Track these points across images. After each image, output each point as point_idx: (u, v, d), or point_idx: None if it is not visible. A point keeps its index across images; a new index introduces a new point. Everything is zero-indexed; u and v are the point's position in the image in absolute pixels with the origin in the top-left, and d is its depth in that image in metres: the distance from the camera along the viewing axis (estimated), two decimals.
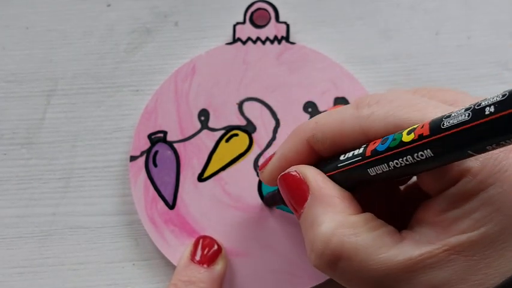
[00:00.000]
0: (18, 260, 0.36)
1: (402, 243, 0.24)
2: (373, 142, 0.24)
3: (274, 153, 0.30)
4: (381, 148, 0.23)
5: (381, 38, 0.38)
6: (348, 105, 0.27)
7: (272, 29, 0.37)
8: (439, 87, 0.27)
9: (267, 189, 0.35)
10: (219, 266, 0.33)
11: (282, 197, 0.28)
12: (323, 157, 0.28)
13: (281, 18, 0.38)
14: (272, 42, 0.37)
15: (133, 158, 0.35)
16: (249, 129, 0.36)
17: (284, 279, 0.33)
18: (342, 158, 0.26)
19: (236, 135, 0.36)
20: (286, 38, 0.37)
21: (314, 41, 0.38)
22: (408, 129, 0.23)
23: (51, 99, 0.38)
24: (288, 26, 0.37)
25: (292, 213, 0.34)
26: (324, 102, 0.36)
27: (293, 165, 0.28)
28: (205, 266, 0.32)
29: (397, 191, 0.31)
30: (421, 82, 0.37)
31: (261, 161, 0.35)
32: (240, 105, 0.36)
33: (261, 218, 0.34)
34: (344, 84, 0.36)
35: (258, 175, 0.35)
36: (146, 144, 0.36)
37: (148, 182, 0.35)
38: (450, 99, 0.26)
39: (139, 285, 0.35)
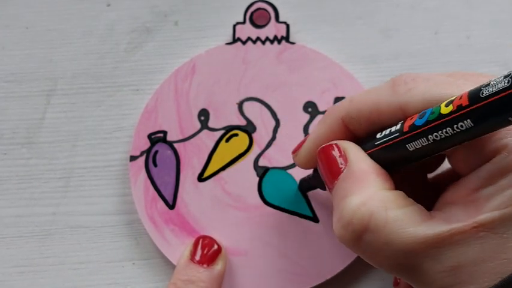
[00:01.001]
0: (19, 259, 0.36)
1: (432, 220, 0.23)
2: (410, 118, 0.24)
3: (307, 136, 0.30)
4: (419, 122, 0.23)
5: (381, 37, 0.38)
6: (382, 83, 0.27)
7: (272, 29, 0.37)
8: (473, 72, 0.27)
9: (268, 189, 0.35)
10: (218, 266, 0.33)
11: (316, 180, 0.28)
12: (358, 137, 0.28)
13: (281, 18, 0.37)
14: (272, 42, 0.37)
15: (133, 158, 0.36)
16: (249, 129, 0.36)
17: (284, 279, 0.33)
18: (378, 136, 0.26)
19: (236, 135, 0.36)
20: (286, 38, 0.37)
21: (314, 40, 0.38)
22: (446, 101, 0.23)
23: (51, 99, 0.38)
24: (288, 26, 0.37)
25: (291, 212, 0.34)
26: (324, 102, 0.36)
27: None
28: (205, 265, 0.32)
29: (426, 180, 0.31)
30: None
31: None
32: (240, 105, 0.36)
33: (261, 218, 0.34)
34: (344, 84, 0.36)
35: (258, 175, 0.35)
36: (146, 144, 0.36)
37: (148, 181, 0.35)
38: (484, 82, 0.26)
39: (140, 284, 0.35)
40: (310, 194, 0.34)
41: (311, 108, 0.36)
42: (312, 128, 0.35)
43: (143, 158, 0.35)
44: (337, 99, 0.36)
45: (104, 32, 0.39)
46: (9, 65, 0.38)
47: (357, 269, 0.34)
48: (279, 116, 0.36)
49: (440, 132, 0.23)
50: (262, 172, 0.35)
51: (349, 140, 0.28)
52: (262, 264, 0.34)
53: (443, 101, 0.23)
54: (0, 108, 0.38)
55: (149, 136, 0.36)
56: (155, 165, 0.35)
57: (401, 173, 0.27)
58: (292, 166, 0.35)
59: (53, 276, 0.36)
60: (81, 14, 0.39)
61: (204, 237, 0.34)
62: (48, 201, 0.36)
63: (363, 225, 0.24)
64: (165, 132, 0.36)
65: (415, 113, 0.24)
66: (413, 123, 0.24)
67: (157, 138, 0.36)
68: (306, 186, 0.34)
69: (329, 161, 0.27)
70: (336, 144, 0.27)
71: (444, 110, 0.22)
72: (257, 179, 0.35)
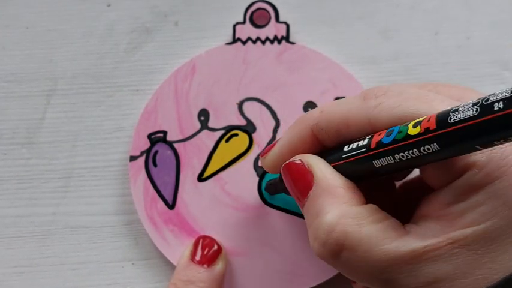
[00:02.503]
0: (19, 259, 0.36)
1: (406, 236, 0.24)
2: (378, 133, 0.24)
3: (276, 141, 0.30)
4: (387, 140, 0.23)
5: (381, 38, 0.38)
6: (354, 95, 0.27)
7: (272, 29, 0.37)
8: (445, 83, 0.27)
9: (267, 189, 0.35)
10: (219, 266, 0.33)
11: (283, 185, 0.28)
12: (326, 147, 0.28)
13: (281, 18, 0.38)
14: (272, 42, 0.37)
15: (133, 158, 0.36)
16: (249, 129, 0.36)
17: (284, 279, 0.34)
18: (346, 148, 0.26)
19: (236, 135, 0.36)
20: (286, 38, 0.37)
21: (314, 41, 0.38)
22: (414, 121, 0.23)
23: (51, 99, 0.38)
24: (288, 26, 0.37)
25: (291, 212, 0.34)
26: (323, 102, 0.36)
27: (295, 153, 0.28)
28: (205, 266, 0.32)
29: (394, 188, 0.31)
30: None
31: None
32: (240, 105, 0.36)
33: (260, 218, 0.34)
34: (344, 84, 0.36)
35: (258, 175, 0.35)
36: (146, 144, 0.36)
37: (148, 181, 0.35)
38: (456, 94, 0.26)
39: (139, 284, 0.35)
40: None
41: (311, 109, 0.36)
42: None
43: (143, 158, 0.35)
44: (337, 100, 0.36)
45: (103, 32, 0.39)
46: (9, 65, 0.38)
47: None
48: (279, 116, 0.36)
49: (406, 152, 0.23)
50: (262, 172, 0.35)
51: (317, 149, 0.28)
52: (262, 264, 0.34)
53: (412, 117, 0.23)
54: (0, 108, 0.38)
55: (149, 136, 0.36)
56: (155, 165, 0.35)
57: (369, 182, 0.27)
58: None
59: (53, 276, 0.36)
60: (81, 14, 0.39)
61: (205, 238, 0.34)
62: (48, 201, 0.36)
63: (338, 244, 0.24)
64: (165, 132, 0.36)
65: (383, 128, 0.24)
66: (380, 140, 0.24)
67: (157, 138, 0.36)
68: (272, 189, 0.34)
69: (296, 178, 0.27)
70: (300, 160, 0.27)
71: (412, 131, 0.22)
72: (257, 179, 0.35)
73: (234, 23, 0.38)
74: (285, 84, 0.36)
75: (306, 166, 0.26)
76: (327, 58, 0.36)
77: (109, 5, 0.39)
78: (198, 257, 0.33)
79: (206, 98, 0.36)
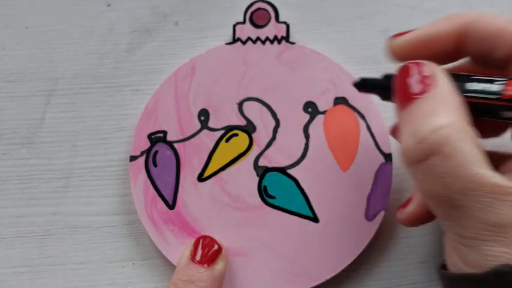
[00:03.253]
0: (18, 259, 0.36)
1: (498, 172, 0.23)
2: None
3: (410, 30, 0.28)
4: None
5: (381, 38, 0.38)
6: None
7: (272, 29, 0.37)
8: None
9: (268, 190, 0.35)
10: (219, 266, 0.33)
11: (386, 82, 0.27)
12: (462, 57, 0.26)
13: (281, 18, 0.38)
14: (272, 42, 0.37)
15: (133, 158, 0.36)
16: (249, 129, 0.36)
17: (284, 279, 0.34)
18: (469, 87, 0.24)
19: (236, 135, 0.36)
20: (286, 38, 0.37)
21: (314, 41, 0.38)
22: None
23: (51, 99, 0.38)
24: (288, 26, 0.37)
25: (291, 212, 0.34)
26: (323, 102, 0.36)
27: (430, 48, 0.27)
28: (205, 265, 0.32)
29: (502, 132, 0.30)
30: None
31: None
32: (240, 105, 0.36)
33: (261, 218, 0.34)
34: (344, 84, 0.36)
35: (258, 175, 0.35)
36: (146, 144, 0.36)
37: (148, 181, 0.35)
38: None
39: (139, 284, 0.35)
40: (311, 194, 0.34)
41: (311, 108, 0.36)
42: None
43: (143, 158, 0.35)
44: (337, 99, 0.36)
45: (104, 32, 0.39)
46: (9, 65, 0.39)
47: (356, 269, 0.34)
48: (279, 116, 0.36)
49: None
50: (262, 172, 0.35)
51: (453, 55, 0.27)
52: (262, 264, 0.34)
53: None
54: (0, 108, 0.38)
55: (149, 136, 0.36)
56: (155, 165, 0.35)
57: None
58: (292, 166, 0.35)
59: (53, 276, 0.36)
60: (81, 14, 0.39)
61: (205, 238, 0.34)
62: (48, 201, 0.36)
63: (437, 147, 0.23)
64: (165, 132, 0.36)
65: None
66: None
67: (157, 138, 0.36)
68: (367, 85, 0.29)
69: (413, 75, 0.25)
70: (429, 63, 0.26)
71: None
72: (257, 179, 0.35)
73: (234, 23, 0.38)
74: (285, 84, 0.36)
75: (430, 70, 0.25)
76: (327, 58, 0.36)
77: (109, 5, 0.39)
78: (198, 257, 0.33)
79: (206, 98, 0.36)
